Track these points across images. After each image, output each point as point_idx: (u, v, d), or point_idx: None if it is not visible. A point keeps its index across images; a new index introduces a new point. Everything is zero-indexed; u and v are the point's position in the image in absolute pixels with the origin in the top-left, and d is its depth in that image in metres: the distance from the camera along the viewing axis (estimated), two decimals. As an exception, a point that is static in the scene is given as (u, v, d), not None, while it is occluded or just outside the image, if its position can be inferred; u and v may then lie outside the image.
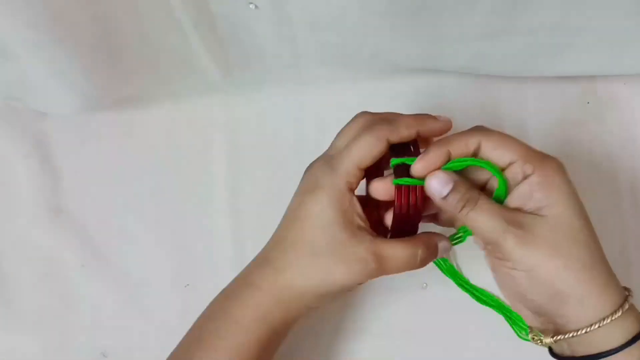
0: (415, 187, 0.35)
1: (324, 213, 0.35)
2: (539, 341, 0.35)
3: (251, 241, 0.48)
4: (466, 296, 0.47)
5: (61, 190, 0.50)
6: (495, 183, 0.35)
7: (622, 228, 0.49)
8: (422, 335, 0.47)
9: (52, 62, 0.41)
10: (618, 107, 0.52)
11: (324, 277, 0.35)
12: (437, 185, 0.34)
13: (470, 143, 0.34)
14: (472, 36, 0.43)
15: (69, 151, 0.51)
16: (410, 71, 0.51)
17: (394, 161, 0.35)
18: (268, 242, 0.39)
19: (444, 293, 0.47)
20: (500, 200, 0.35)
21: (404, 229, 0.37)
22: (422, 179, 0.35)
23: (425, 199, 0.36)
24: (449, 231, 0.40)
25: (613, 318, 0.31)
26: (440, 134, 0.37)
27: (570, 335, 0.32)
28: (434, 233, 0.38)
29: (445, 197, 0.34)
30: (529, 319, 0.36)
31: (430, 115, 0.37)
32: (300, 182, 0.38)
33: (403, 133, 0.35)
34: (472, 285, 0.45)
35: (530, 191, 0.33)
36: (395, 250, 0.35)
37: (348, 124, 0.38)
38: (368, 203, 0.38)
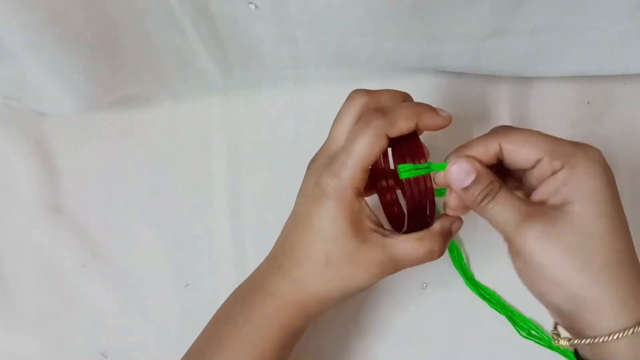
0: (423, 177, 0.33)
1: (335, 225, 0.34)
2: (556, 341, 0.33)
3: (251, 241, 0.49)
4: (466, 296, 0.47)
5: (61, 190, 0.50)
6: (531, 171, 0.33)
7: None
8: (422, 335, 0.47)
9: (52, 62, 0.41)
10: (618, 107, 0.52)
11: (343, 284, 0.35)
12: (460, 175, 0.32)
13: (491, 147, 0.32)
14: (471, 36, 0.43)
15: (69, 151, 0.51)
16: (410, 71, 0.51)
17: (403, 168, 0.33)
18: (278, 247, 0.38)
19: (444, 293, 0.47)
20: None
21: (420, 219, 0.35)
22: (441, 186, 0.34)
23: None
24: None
25: (637, 329, 0.28)
26: (438, 129, 0.34)
27: (589, 341, 0.30)
28: (446, 217, 0.36)
29: (466, 188, 0.32)
30: (553, 315, 0.34)
31: (430, 106, 0.34)
32: (304, 182, 0.37)
33: (402, 127, 0.33)
34: (477, 283, 0.45)
35: (556, 187, 0.31)
36: (412, 249, 0.34)
37: (345, 107, 0.36)
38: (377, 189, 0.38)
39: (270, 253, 0.39)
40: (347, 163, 0.33)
